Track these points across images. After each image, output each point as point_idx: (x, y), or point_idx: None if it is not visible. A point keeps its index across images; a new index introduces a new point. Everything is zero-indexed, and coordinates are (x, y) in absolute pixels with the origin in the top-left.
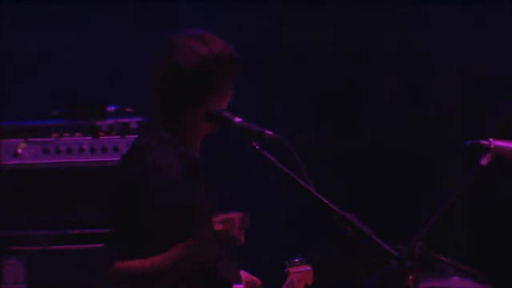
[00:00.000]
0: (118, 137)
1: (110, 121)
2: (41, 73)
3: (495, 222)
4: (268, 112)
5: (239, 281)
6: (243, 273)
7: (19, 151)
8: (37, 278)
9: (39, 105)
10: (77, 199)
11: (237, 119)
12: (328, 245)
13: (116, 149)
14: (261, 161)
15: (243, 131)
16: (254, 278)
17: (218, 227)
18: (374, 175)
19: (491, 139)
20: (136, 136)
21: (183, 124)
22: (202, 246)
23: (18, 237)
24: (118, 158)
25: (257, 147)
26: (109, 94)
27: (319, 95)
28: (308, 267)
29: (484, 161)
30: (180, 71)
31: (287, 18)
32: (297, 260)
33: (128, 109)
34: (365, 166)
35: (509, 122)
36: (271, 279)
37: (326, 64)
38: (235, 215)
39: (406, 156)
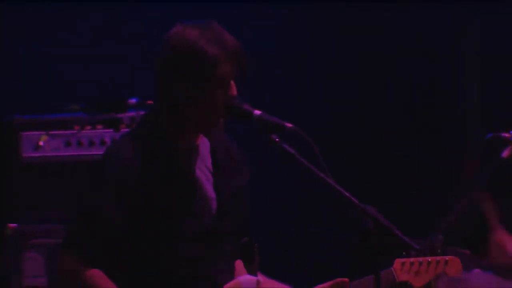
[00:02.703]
0: None
1: (131, 114)
2: (61, 65)
3: None
4: (268, 112)
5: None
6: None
7: (41, 143)
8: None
9: (61, 98)
10: None
11: (257, 112)
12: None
13: None
14: (259, 161)
15: (262, 124)
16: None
17: None
18: (387, 168)
19: None
20: None
21: (170, 116)
22: None
23: (39, 230)
24: None
25: (277, 140)
26: (130, 86)
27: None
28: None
29: (505, 154)
30: (164, 59)
31: (286, 17)
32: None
33: (149, 102)
34: (374, 162)
35: None
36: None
37: (326, 63)
38: None
39: (417, 152)
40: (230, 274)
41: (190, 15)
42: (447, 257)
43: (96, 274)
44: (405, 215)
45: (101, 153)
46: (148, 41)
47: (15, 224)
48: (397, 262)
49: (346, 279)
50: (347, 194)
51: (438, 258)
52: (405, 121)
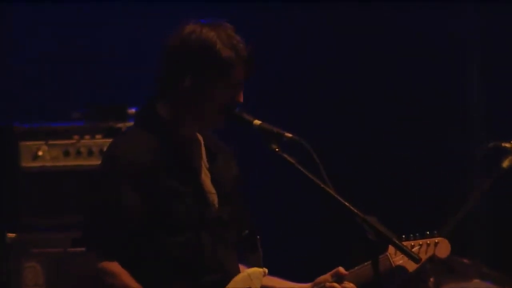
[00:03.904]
0: None
1: (131, 123)
2: (61, 75)
3: None
4: (265, 112)
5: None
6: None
7: (40, 153)
8: (57, 280)
9: (60, 107)
10: None
11: (257, 121)
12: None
13: None
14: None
15: (263, 133)
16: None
17: None
18: (386, 169)
19: None
20: None
21: (169, 106)
22: None
23: (38, 240)
24: None
25: (277, 149)
26: (130, 95)
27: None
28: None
29: (505, 163)
30: (165, 49)
31: (286, 17)
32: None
33: None
34: (374, 162)
35: None
36: None
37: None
38: None
39: (417, 152)
40: (236, 266)
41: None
42: (436, 239)
43: (115, 266)
44: (405, 217)
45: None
46: (149, 49)
47: (14, 233)
48: (391, 247)
49: (346, 273)
50: (347, 204)
51: (428, 240)
52: (405, 122)
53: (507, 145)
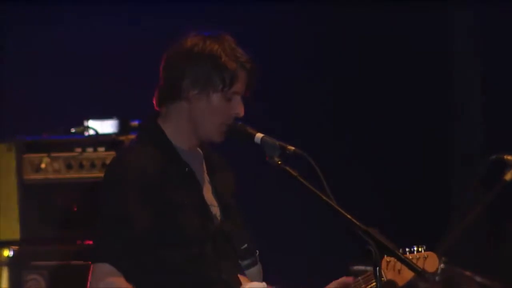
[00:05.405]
0: None
1: (133, 136)
2: (64, 88)
3: None
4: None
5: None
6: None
7: (43, 165)
8: None
9: (63, 120)
10: None
11: (260, 134)
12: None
13: None
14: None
15: (265, 146)
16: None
17: None
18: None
19: None
20: None
21: (170, 119)
22: None
23: (40, 252)
24: None
25: (279, 162)
26: (133, 108)
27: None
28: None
29: (508, 176)
30: (167, 62)
31: (289, 20)
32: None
33: None
34: (374, 172)
35: None
36: None
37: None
38: None
39: (420, 163)
40: (237, 279)
41: (187, 25)
42: (425, 253)
43: (122, 282)
44: (404, 227)
45: (102, 175)
46: (152, 61)
47: (16, 246)
48: (383, 261)
49: (351, 278)
50: (349, 216)
51: (417, 255)
52: (404, 129)
53: (510, 157)
